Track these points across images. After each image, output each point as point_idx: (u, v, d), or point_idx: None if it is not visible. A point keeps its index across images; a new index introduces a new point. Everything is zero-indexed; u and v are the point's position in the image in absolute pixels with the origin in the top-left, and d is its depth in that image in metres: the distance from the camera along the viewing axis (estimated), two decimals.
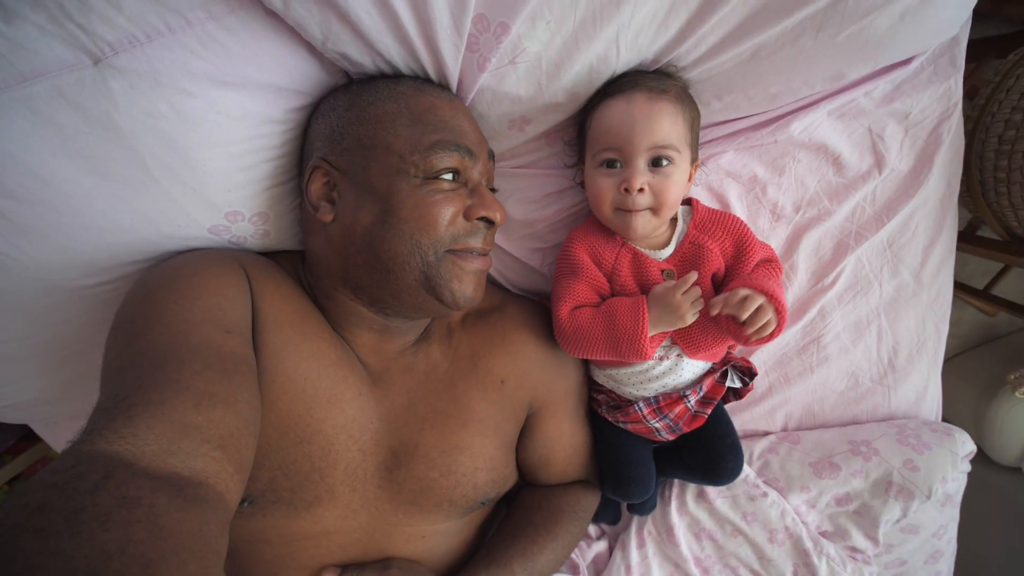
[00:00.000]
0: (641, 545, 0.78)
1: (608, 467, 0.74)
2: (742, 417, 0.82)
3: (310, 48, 0.56)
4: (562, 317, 0.66)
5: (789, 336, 0.80)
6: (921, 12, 0.59)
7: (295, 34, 0.53)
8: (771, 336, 0.60)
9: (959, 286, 1.22)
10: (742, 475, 0.76)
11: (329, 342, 0.58)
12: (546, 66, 0.59)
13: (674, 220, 0.69)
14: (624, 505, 0.83)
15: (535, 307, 0.73)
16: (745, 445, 0.79)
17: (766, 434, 0.83)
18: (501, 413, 0.66)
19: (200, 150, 0.53)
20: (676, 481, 0.80)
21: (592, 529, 0.84)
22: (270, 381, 0.52)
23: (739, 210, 0.76)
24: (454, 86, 0.60)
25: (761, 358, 0.81)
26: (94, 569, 0.28)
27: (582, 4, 0.55)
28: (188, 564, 0.31)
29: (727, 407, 0.76)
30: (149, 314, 0.47)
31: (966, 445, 0.76)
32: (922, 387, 0.82)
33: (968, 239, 1.04)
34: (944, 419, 0.84)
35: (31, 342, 0.63)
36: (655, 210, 0.63)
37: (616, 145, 0.61)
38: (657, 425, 0.69)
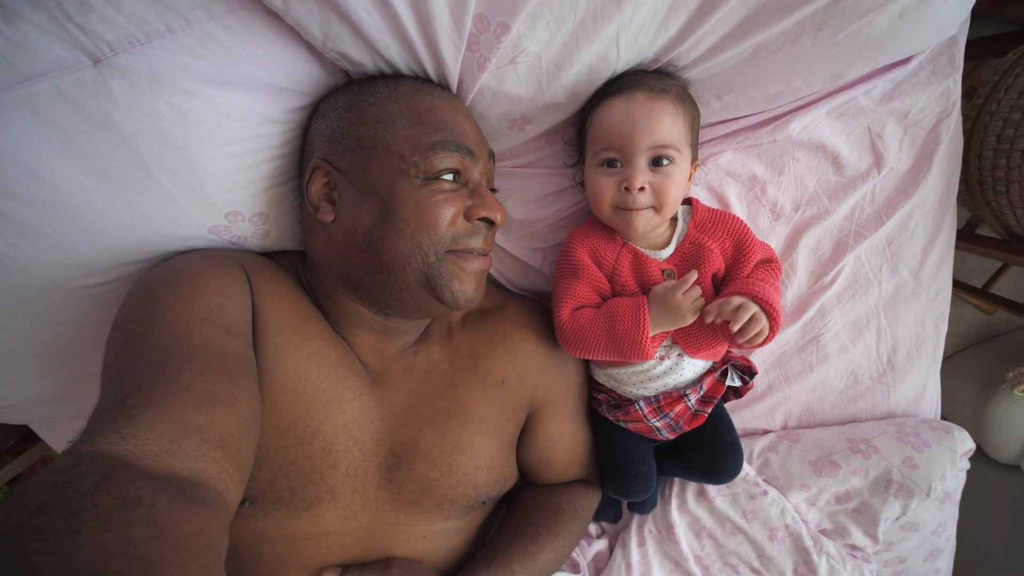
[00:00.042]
0: (641, 543, 0.79)
1: (609, 466, 0.74)
2: (742, 416, 0.83)
3: (310, 48, 0.56)
4: (563, 318, 0.66)
5: (789, 335, 0.80)
6: (920, 11, 0.59)
7: (295, 34, 0.53)
8: (764, 342, 0.60)
9: (958, 284, 1.22)
10: (742, 473, 0.76)
11: (329, 342, 0.58)
12: (546, 66, 0.59)
13: (674, 220, 0.69)
14: (624, 504, 0.83)
15: (535, 307, 0.73)
16: (745, 443, 0.79)
17: (766, 432, 0.83)
18: (501, 413, 0.66)
19: (200, 150, 0.53)
20: (676, 480, 0.81)
21: (593, 527, 0.84)
22: (270, 381, 0.52)
23: (739, 209, 0.77)
24: (454, 86, 0.60)
25: (761, 357, 0.81)
26: (94, 569, 0.28)
27: (582, 4, 0.54)
28: (188, 564, 0.31)
29: (727, 406, 0.77)
30: (149, 314, 0.47)
31: (965, 443, 0.76)
32: (921, 385, 0.82)
33: (967, 238, 1.04)
34: (943, 417, 0.84)
35: (31, 342, 0.63)
36: (656, 209, 0.63)
37: (616, 144, 0.61)
38: (658, 424, 0.69)
